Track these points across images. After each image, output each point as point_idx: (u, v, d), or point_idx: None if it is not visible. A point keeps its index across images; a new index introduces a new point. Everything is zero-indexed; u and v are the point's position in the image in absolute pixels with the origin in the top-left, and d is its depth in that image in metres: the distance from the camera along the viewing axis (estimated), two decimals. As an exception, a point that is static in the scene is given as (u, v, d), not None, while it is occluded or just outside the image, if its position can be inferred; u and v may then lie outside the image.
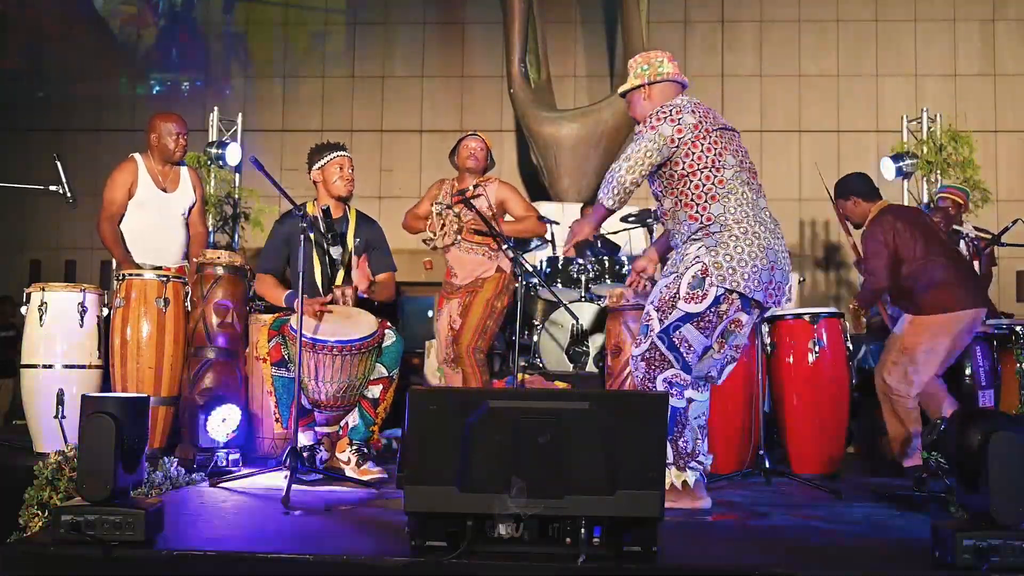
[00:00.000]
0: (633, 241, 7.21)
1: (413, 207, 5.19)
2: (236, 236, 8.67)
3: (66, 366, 4.45)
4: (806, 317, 4.70)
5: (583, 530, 2.36)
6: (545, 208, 8.80)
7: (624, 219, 6.64)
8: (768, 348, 4.66)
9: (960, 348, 4.49)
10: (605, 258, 6.55)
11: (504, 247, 4.87)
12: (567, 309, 5.92)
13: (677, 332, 3.37)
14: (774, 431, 4.75)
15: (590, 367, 6.14)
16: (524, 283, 5.22)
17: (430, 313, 5.34)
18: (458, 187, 5.02)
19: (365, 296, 4.29)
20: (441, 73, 10.98)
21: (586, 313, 6.20)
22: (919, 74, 10.50)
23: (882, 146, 9.13)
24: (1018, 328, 5.19)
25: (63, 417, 4.34)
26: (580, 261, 6.47)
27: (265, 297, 4.40)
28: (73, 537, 2.44)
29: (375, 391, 4.05)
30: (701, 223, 3.42)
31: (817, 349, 4.61)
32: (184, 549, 2.50)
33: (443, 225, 4.94)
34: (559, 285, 6.43)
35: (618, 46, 10.21)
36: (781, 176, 10.41)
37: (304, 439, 4.04)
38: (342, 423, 4.13)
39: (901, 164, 8.09)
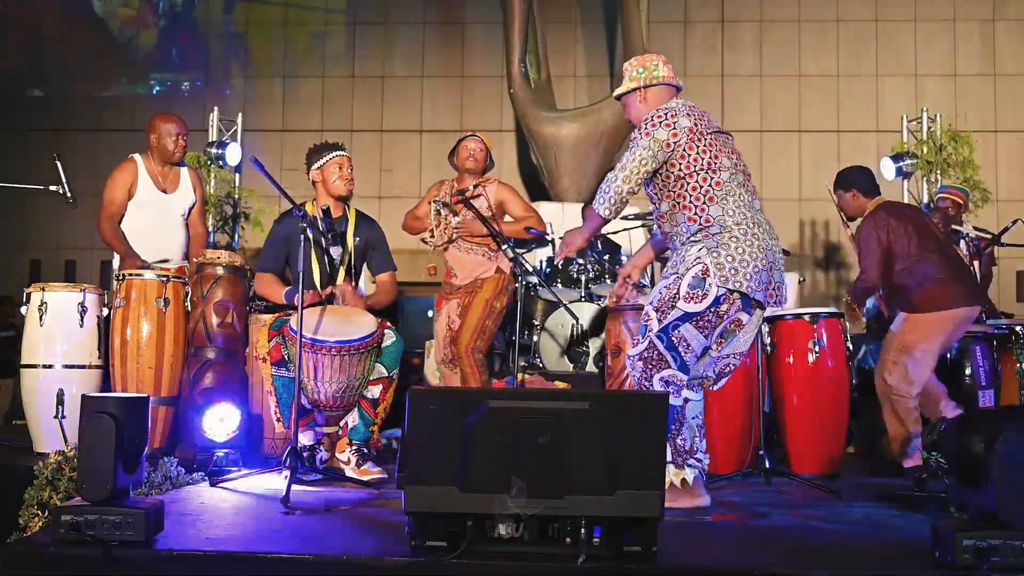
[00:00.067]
0: (633, 241, 7.20)
1: (413, 208, 5.19)
2: (236, 236, 8.67)
3: (66, 366, 4.45)
4: (806, 317, 4.70)
5: (583, 530, 2.36)
6: (545, 208, 8.80)
7: (624, 218, 6.64)
8: (768, 348, 4.66)
9: (951, 344, 4.51)
10: (605, 258, 6.55)
11: (504, 247, 4.88)
12: (567, 309, 5.92)
13: (676, 331, 3.38)
14: (774, 431, 4.75)
15: (590, 367, 6.14)
16: (524, 283, 5.22)
17: (430, 313, 5.34)
18: (457, 188, 5.02)
19: (363, 294, 4.30)
20: (441, 73, 10.98)
21: (586, 313, 6.20)
22: (919, 74, 10.50)
23: (882, 146, 9.13)
24: (1018, 328, 5.20)
25: (63, 417, 4.34)
26: (580, 261, 6.47)
27: (265, 295, 4.41)
28: (73, 537, 2.44)
29: (375, 391, 4.05)
30: (700, 225, 3.43)
31: (817, 349, 4.61)
32: (184, 549, 2.50)
33: (439, 224, 4.94)
34: (559, 285, 6.43)
35: (618, 46, 10.21)
36: (781, 176, 10.42)
37: (304, 439, 4.04)
38: (342, 423, 4.13)
39: (901, 164, 8.09)
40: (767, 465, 4.11)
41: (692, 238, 3.45)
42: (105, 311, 4.69)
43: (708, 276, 3.34)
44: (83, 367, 4.47)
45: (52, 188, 4.54)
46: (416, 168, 10.65)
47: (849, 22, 10.65)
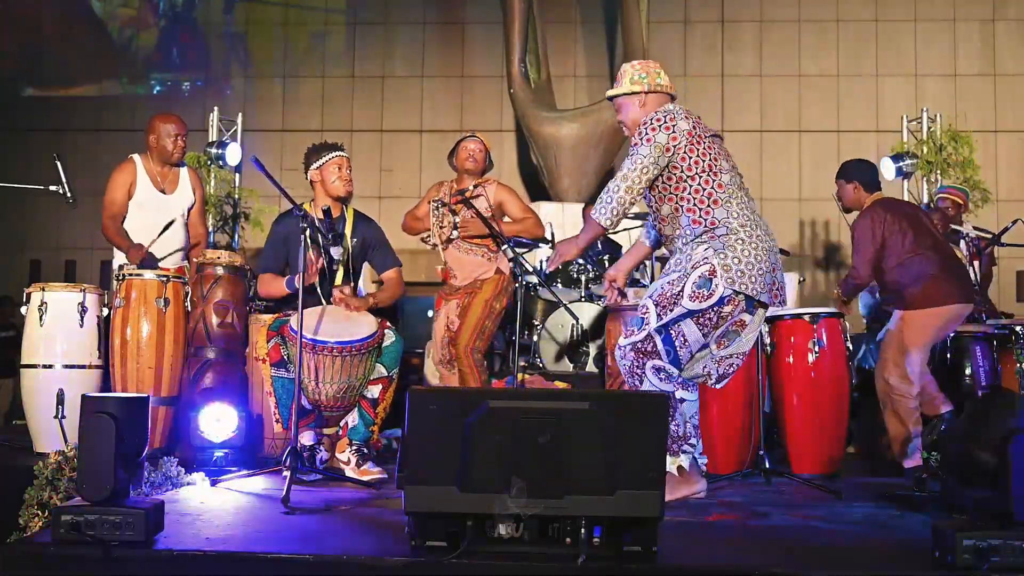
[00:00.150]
0: (633, 241, 7.21)
1: (412, 208, 5.19)
2: (236, 236, 8.67)
3: (66, 366, 4.45)
4: (806, 317, 4.70)
5: (583, 530, 2.36)
6: (545, 208, 8.82)
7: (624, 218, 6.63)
8: (768, 348, 4.66)
9: (940, 340, 4.53)
10: (605, 258, 6.55)
11: (504, 247, 4.87)
12: (567, 309, 5.92)
13: (676, 326, 3.42)
14: (774, 431, 4.75)
15: (590, 367, 6.14)
16: (524, 283, 5.21)
17: (430, 313, 5.33)
18: (457, 188, 5.02)
19: (363, 294, 4.30)
20: (441, 73, 10.98)
21: (586, 313, 6.20)
22: (919, 74, 10.50)
23: (882, 146, 9.13)
24: (1018, 328, 5.19)
25: (63, 417, 4.34)
26: (580, 261, 6.47)
27: (269, 294, 4.39)
28: (73, 537, 2.44)
29: (375, 391, 4.05)
30: (705, 226, 3.46)
31: (817, 349, 4.61)
32: (184, 549, 2.50)
33: (439, 224, 4.94)
34: (559, 285, 6.43)
35: (618, 46, 10.21)
36: (781, 176, 10.42)
37: (304, 439, 4.04)
38: (342, 423, 4.13)
39: (901, 164, 8.09)
40: (767, 465, 4.11)
41: (697, 239, 3.47)
42: (105, 311, 4.69)
43: (715, 276, 3.37)
44: (83, 367, 4.47)
45: (52, 188, 4.54)
46: (416, 168, 10.65)
47: (849, 22, 10.65)
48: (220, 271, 4.61)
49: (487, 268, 4.95)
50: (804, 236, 10.36)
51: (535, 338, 6.35)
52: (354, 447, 4.03)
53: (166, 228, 4.83)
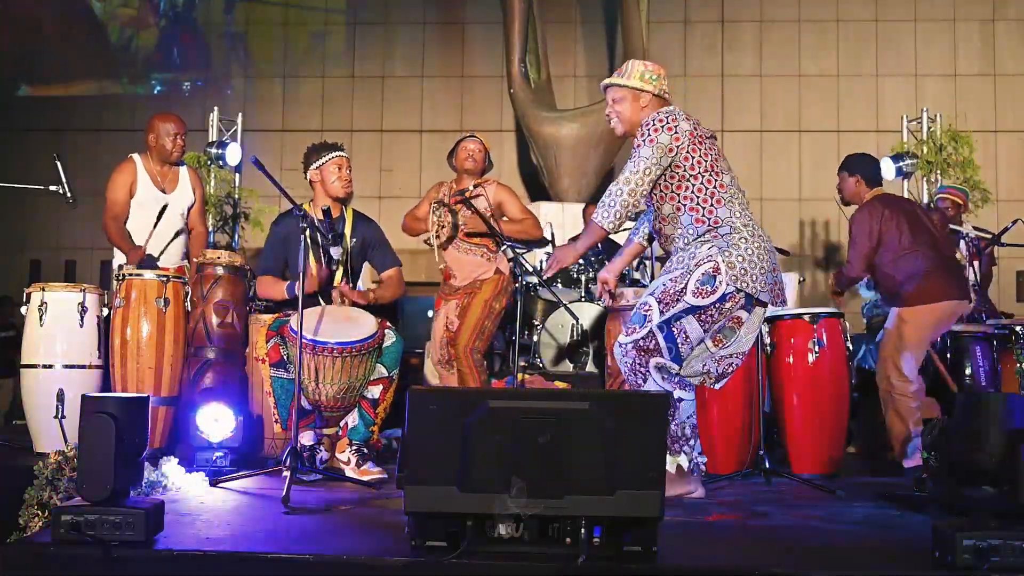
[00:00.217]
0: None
1: (412, 209, 5.19)
2: (236, 236, 8.67)
3: (66, 366, 4.45)
4: (806, 317, 4.70)
5: (583, 530, 2.35)
6: (545, 208, 8.82)
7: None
8: (768, 348, 4.66)
9: (936, 337, 4.58)
10: (606, 259, 6.55)
11: (504, 247, 4.87)
12: (567, 309, 5.91)
13: (678, 323, 3.44)
14: (774, 431, 4.75)
15: (590, 367, 6.13)
16: (524, 283, 5.21)
17: (430, 313, 5.33)
18: (456, 188, 5.02)
19: (370, 302, 4.30)
20: (441, 73, 10.98)
21: (586, 313, 6.19)
22: (919, 74, 10.50)
23: (882, 146, 9.12)
24: (1018, 328, 5.20)
25: (63, 417, 4.34)
26: (580, 261, 6.47)
27: (268, 296, 4.40)
28: (73, 537, 2.44)
29: (375, 391, 4.05)
30: (708, 225, 3.47)
31: (817, 349, 4.61)
32: (184, 549, 2.49)
33: (440, 224, 4.94)
34: (559, 285, 6.43)
35: (618, 46, 10.21)
36: (781, 176, 10.42)
37: (304, 439, 4.04)
38: (342, 424, 4.12)
39: (901, 164, 8.09)
40: (767, 465, 4.11)
41: (700, 238, 3.48)
42: (105, 311, 4.69)
43: (719, 274, 3.39)
44: (83, 367, 4.47)
45: (52, 188, 4.55)
46: (416, 168, 10.65)
47: (849, 22, 10.65)
48: (220, 271, 4.61)
49: (486, 268, 4.95)
50: (804, 236, 10.36)
51: (535, 338, 6.35)
52: (354, 447, 4.03)
53: (160, 216, 4.82)
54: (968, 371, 5.08)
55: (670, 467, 3.46)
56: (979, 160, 8.19)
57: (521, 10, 9.61)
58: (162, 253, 4.87)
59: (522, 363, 5.78)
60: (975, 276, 5.60)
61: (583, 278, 6.43)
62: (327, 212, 4.28)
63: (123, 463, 2.52)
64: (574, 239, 3.78)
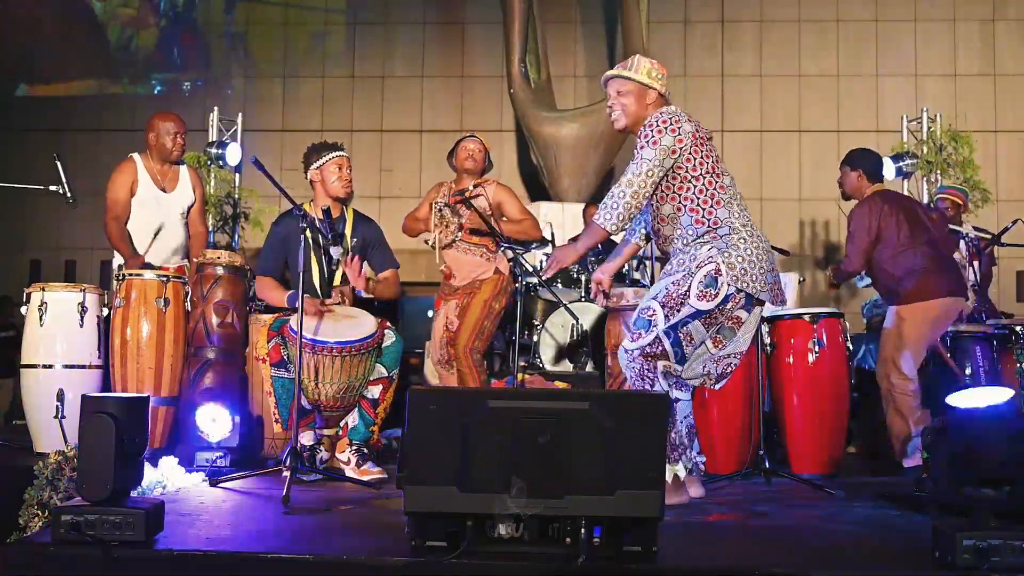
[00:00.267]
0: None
1: (412, 210, 5.19)
2: (236, 236, 8.67)
3: (66, 366, 4.45)
4: (806, 317, 4.70)
5: (583, 530, 2.35)
6: (545, 208, 8.82)
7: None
8: (768, 348, 4.66)
9: (936, 337, 4.55)
10: (605, 258, 6.55)
11: (504, 247, 4.87)
12: (567, 309, 5.91)
13: (684, 328, 3.43)
14: (774, 431, 4.75)
15: (590, 367, 6.14)
16: (524, 283, 5.21)
17: (430, 313, 5.33)
18: (456, 188, 5.02)
19: (366, 295, 4.29)
20: (441, 73, 10.98)
21: (586, 313, 6.19)
22: (919, 74, 10.50)
23: (882, 146, 9.08)
24: (1018, 328, 5.20)
25: (63, 417, 4.34)
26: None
27: (266, 300, 4.40)
28: (73, 537, 2.44)
29: (375, 391, 4.05)
30: (708, 227, 3.46)
31: (817, 349, 4.61)
32: (184, 549, 2.49)
33: (443, 224, 4.94)
34: (559, 285, 6.43)
35: (618, 46, 10.21)
36: (781, 176, 10.42)
37: (304, 439, 4.04)
38: (342, 424, 4.12)
39: (901, 164, 8.09)
40: (767, 465, 4.11)
41: (699, 239, 3.47)
42: (105, 311, 4.69)
43: (720, 275, 3.39)
44: (83, 367, 4.47)
45: (52, 188, 4.55)
46: (416, 168, 10.65)
47: (849, 22, 10.65)
48: (220, 271, 4.61)
49: (486, 268, 4.95)
50: (804, 236, 10.36)
51: (535, 338, 6.35)
52: (354, 447, 4.03)
53: (157, 233, 4.83)
54: (968, 371, 5.08)
55: (667, 475, 3.43)
56: (979, 160, 8.18)
57: (521, 10, 9.61)
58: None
59: (522, 363, 5.78)
60: (975, 276, 5.61)
61: (583, 278, 6.43)
62: (327, 212, 4.27)
63: (123, 463, 2.52)
64: (574, 239, 3.76)
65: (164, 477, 3.70)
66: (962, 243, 5.68)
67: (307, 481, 3.88)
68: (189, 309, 4.59)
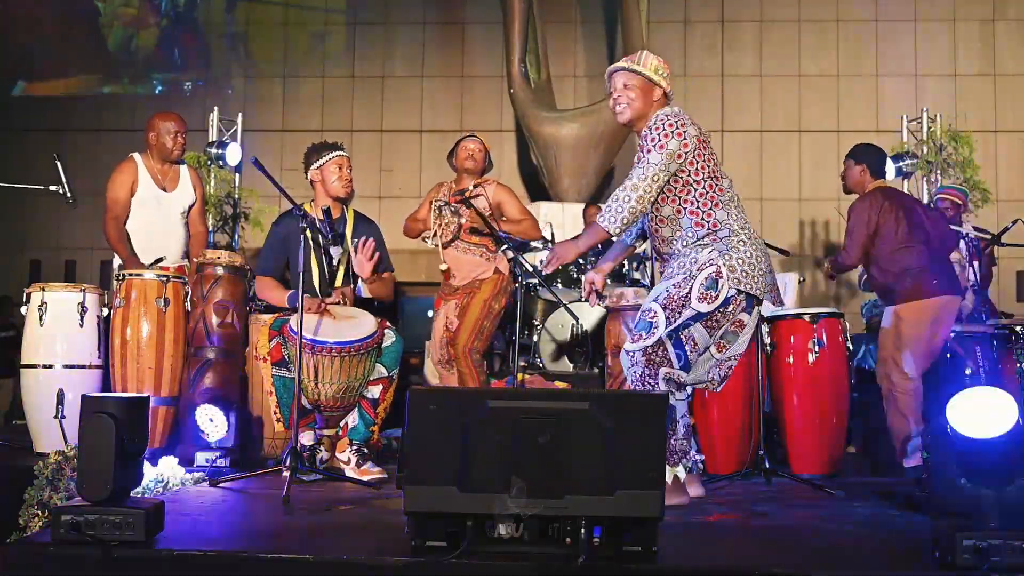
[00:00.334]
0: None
1: (413, 212, 5.19)
2: (236, 236, 8.67)
3: (66, 366, 4.46)
4: (806, 317, 4.71)
5: (583, 530, 2.35)
6: (545, 208, 8.82)
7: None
8: (768, 348, 4.66)
9: (941, 338, 4.56)
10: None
11: (504, 247, 4.87)
12: (567, 309, 5.92)
13: (686, 331, 3.42)
14: (774, 431, 4.75)
15: (590, 367, 6.14)
16: (524, 283, 5.21)
17: (430, 313, 5.33)
18: (456, 188, 5.03)
19: (365, 292, 4.29)
20: (441, 73, 10.98)
21: (586, 313, 6.19)
22: (919, 74, 10.50)
23: (882, 146, 9.12)
24: (1018, 328, 5.20)
25: (63, 417, 4.34)
26: (580, 261, 6.47)
27: (267, 300, 4.40)
28: (73, 537, 2.44)
29: (375, 391, 4.05)
30: (708, 229, 3.47)
31: (817, 349, 4.61)
32: (184, 549, 2.49)
33: (442, 223, 4.94)
34: (559, 285, 6.43)
35: (618, 46, 10.20)
36: (781, 176, 10.41)
37: (304, 439, 4.04)
38: (342, 424, 4.13)
39: (901, 164, 8.09)
40: (767, 465, 4.11)
41: (699, 241, 3.48)
42: (105, 311, 4.69)
43: (721, 278, 3.39)
44: (83, 367, 4.47)
45: (52, 188, 4.55)
46: (416, 168, 10.65)
47: (849, 22, 10.65)
48: (220, 271, 4.61)
49: (486, 268, 4.95)
50: (804, 236, 10.36)
51: (535, 338, 6.35)
52: (354, 447, 4.03)
53: (156, 261, 4.83)
54: (968, 371, 5.08)
55: (667, 477, 3.43)
56: (979, 160, 8.19)
57: (521, 10, 9.61)
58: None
59: (522, 363, 5.79)
60: (975, 276, 5.61)
61: (583, 278, 6.42)
62: (327, 212, 4.27)
63: (123, 463, 2.52)
64: (576, 237, 3.76)
65: (164, 477, 3.70)
66: (962, 243, 5.68)
67: (307, 481, 3.88)
68: (189, 309, 4.59)
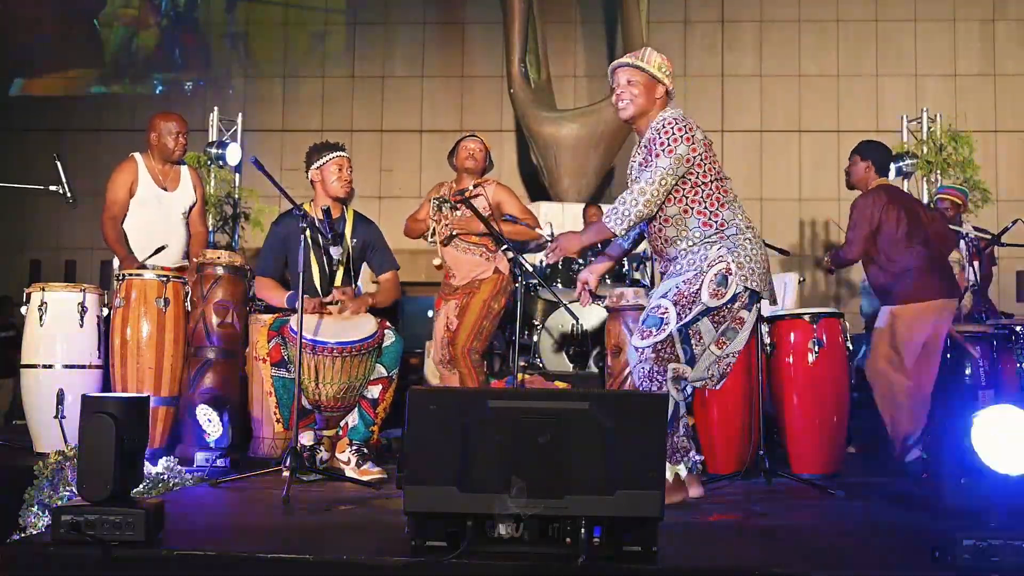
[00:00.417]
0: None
1: (413, 212, 5.19)
2: (236, 236, 8.67)
3: (66, 366, 4.46)
4: (806, 317, 4.70)
5: (583, 530, 2.35)
6: (545, 208, 8.82)
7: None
8: (768, 348, 4.66)
9: (937, 340, 4.58)
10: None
11: (504, 247, 4.87)
12: (567, 309, 5.91)
13: (695, 325, 3.48)
14: (774, 431, 4.75)
15: (590, 367, 6.13)
16: (524, 283, 5.21)
17: (430, 313, 5.33)
18: (456, 188, 5.02)
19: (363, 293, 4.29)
20: (441, 73, 10.98)
21: (586, 313, 6.19)
22: (919, 74, 10.50)
23: (882, 146, 9.13)
24: (1018, 328, 5.20)
25: (63, 417, 4.34)
26: (580, 261, 6.47)
27: (266, 300, 4.40)
28: (73, 537, 2.44)
29: (375, 391, 4.05)
30: (716, 228, 3.51)
31: (817, 349, 4.61)
32: (184, 549, 2.49)
33: (439, 220, 4.94)
34: (559, 285, 6.43)
35: (618, 46, 10.21)
36: (781, 176, 10.42)
37: (304, 439, 4.04)
38: (341, 424, 4.13)
39: (901, 164, 8.09)
40: (767, 465, 4.11)
41: (707, 240, 3.51)
42: (105, 311, 4.69)
43: (731, 275, 3.44)
44: (83, 367, 4.48)
45: (52, 188, 4.55)
46: (416, 168, 10.65)
47: (849, 22, 10.66)
48: (220, 271, 4.61)
49: (485, 268, 4.95)
50: (804, 236, 10.36)
51: (535, 338, 6.35)
52: (354, 447, 4.03)
53: (157, 250, 4.83)
54: (968, 371, 5.08)
55: (667, 475, 3.44)
56: (979, 160, 8.19)
57: (521, 10, 9.61)
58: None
59: (522, 363, 5.78)
60: (975, 276, 5.61)
61: (577, 277, 6.42)
62: (327, 212, 4.27)
63: (123, 463, 2.52)
64: (581, 231, 3.77)
65: (164, 477, 3.71)
66: (962, 243, 5.68)
67: (307, 481, 3.88)
68: (189, 309, 4.59)
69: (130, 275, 4.53)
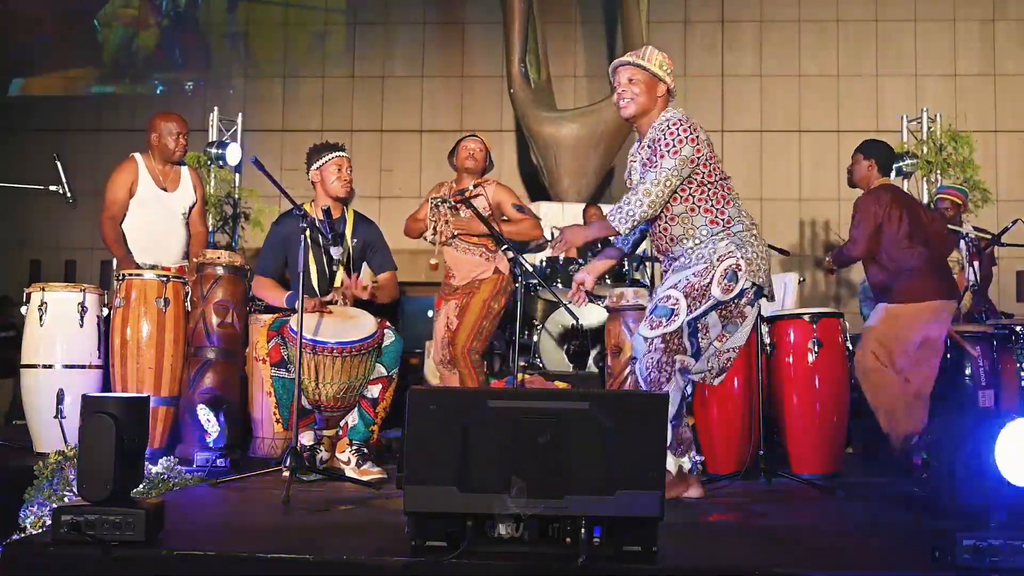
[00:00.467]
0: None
1: (413, 212, 5.19)
2: (236, 236, 8.67)
3: (66, 366, 4.46)
4: (806, 317, 4.70)
5: (583, 530, 2.35)
6: (545, 208, 8.82)
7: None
8: (768, 348, 4.66)
9: (934, 341, 4.57)
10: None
11: (503, 247, 4.87)
12: (567, 309, 5.90)
13: (704, 318, 3.50)
14: (774, 431, 4.75)
15: (590, 367, 6.13)
16: (524, 283, 5.21)
17: (430, 313, 5.34)
18: (457, 188, 5.02)
19: (368, 299, 4.29)
20: (441, 73, 10.98)
21: (586, 313, 6.19)
22: (919, 74, 10.50)
23: (882, 146, 9.12)
24: (1018, 328, 5.20)
25: (63, 417, 4.35)
26: (580, 261, 6.47)
27: (264, 299, 4.40)
28: (73, 537, 2.44)
29: (374, 391, 4.05)
30: (722, 225, 3.54)
31: (817, 349, 4.61)
32: (184, 549, 2.49)
33: (439, 220, 4.94)
34: (559, 285, 6.43)
35: (618, 46, 10.21)
36: (781, 176, 10.42)
37: (304, 439, 4.04)
38: (342, 423, 4.13)
39: (901, 164, 8.09)
40: (767, 465, 4.11)
41: (714, 236, 3.54)
42: (105, 311, 4.69)
43: (740, 270, 3.48)
44: (83, 367, 4.48)
45: (52, 188, 4.55)
46: (416, 168, 10.65)
47: (849, 22, 10.65)
48: (220, 271, 4.61)
49: (485, 268, 4.95)
50: (804, 236, 10.36)
51: (535, 338, 6.35)
52: (354, 447, 4.03)
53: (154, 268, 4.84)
54: (968, 371, 5.08)
55: (671, 467, 3.50)
56: (979, 160, 8.19)
57: (521, 10, 9.61)
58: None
59: (522, 363, 5.78)
60: (975, 276, 5.61)
61: (573, 277, 6.42)
62: (327, 212, 4.27)
63: (123, 463, 2.52)
64: (585, 225, 3.80)
65: (164, 477, 3.71)
66: (962, 243, 5.68)
67: (307, 481, 3.88)
68: (189, 309, 4.59)
69: (130, 275, 4.53)
